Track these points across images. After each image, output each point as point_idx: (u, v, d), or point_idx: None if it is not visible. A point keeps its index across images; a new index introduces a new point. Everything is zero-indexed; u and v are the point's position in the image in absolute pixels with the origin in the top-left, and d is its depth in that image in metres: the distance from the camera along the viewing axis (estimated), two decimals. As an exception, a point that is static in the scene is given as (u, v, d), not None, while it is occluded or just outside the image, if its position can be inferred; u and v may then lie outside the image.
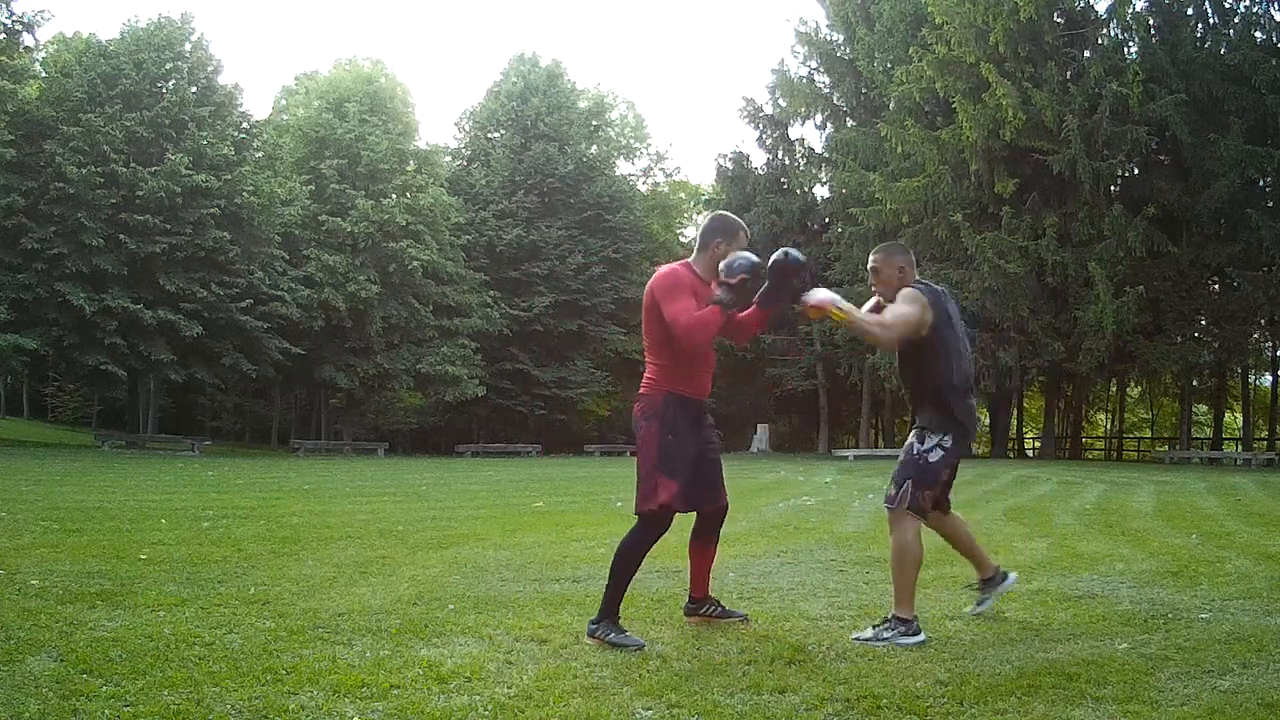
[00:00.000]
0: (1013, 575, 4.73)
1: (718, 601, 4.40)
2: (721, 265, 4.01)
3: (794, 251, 4.09)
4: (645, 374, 4.17)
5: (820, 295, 4.05)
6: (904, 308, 4.13)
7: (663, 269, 4.14)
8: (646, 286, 4.11)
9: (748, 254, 4.03)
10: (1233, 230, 25.61)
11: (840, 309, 4.00)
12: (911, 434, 4.31)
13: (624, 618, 4.38)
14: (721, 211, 4.55)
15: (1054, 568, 6.04)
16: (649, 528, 4.03)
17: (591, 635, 3.91)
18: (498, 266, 38.06)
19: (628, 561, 4.05)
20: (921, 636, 3.99)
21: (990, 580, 4.62)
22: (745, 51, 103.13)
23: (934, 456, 4.16)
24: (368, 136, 33.77)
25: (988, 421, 31.21)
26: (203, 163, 27.88)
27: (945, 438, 4.17)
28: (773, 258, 4.05)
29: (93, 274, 26.36)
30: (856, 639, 3.98)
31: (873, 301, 4.48)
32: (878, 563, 6.31)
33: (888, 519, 4.25)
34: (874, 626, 4.07)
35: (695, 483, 4.07)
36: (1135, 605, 4.83)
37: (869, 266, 4.39)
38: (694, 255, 4.20)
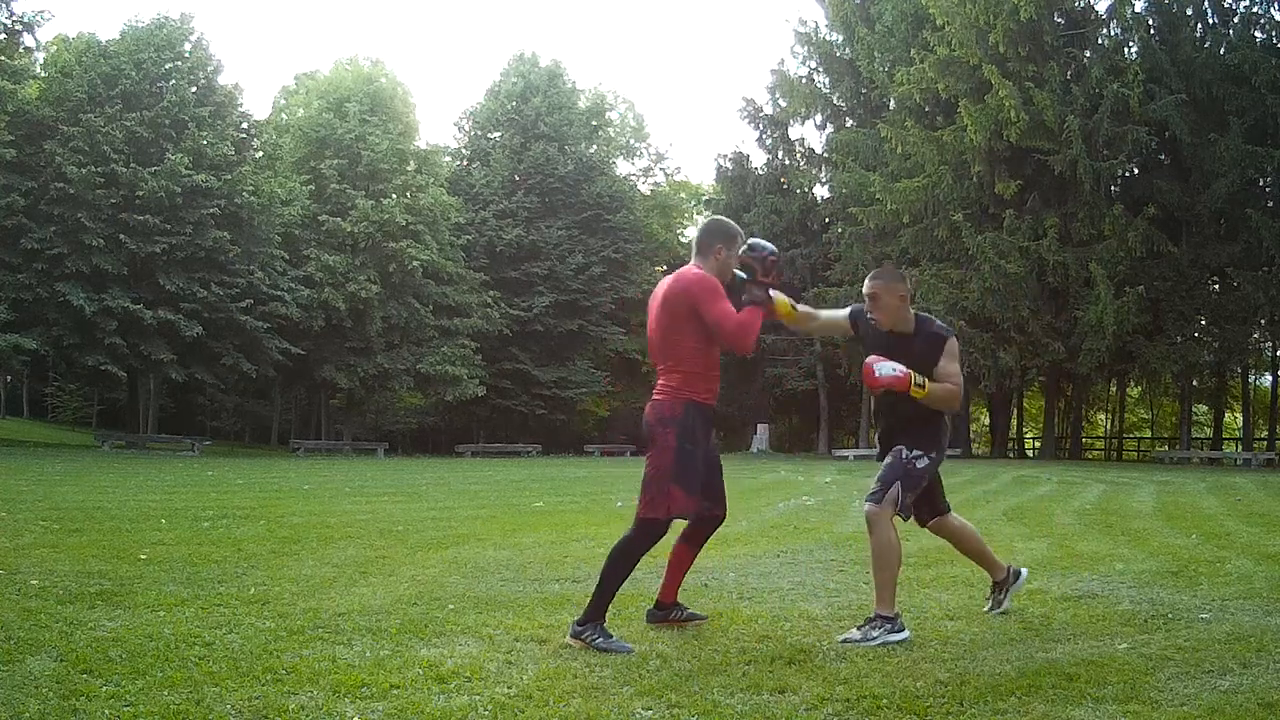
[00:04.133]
0: (1024, 571, 4.81)
1: (682, 606, 4.35)
2: (744, 249, 4.06)
3: (761, 243, 4.12)
4: (662, 380, 4.08)
5: (888, 372, 4.12)
6: (954, 365, 4.26)
7: (690, 274, 4.03)
8: (666, 292, 4.04)
9: (760, 240, 4.12)
10: (1233, 230, 25.61)
11: (919, 386, 4.13)
12: (898, 446, 4.33)
13: (620, 618, 4.39)
14: (718, 216, 4.55)
15: (1054, 568, 6.04)
16: (650, 534, 4.00)
17: (577, 637, 3.83)
18: (498, 266, 38.06)
19: (622, 565, 4.00)
20: (907, 633, 4.02)
21: (1002, 583, 4.66)
22: (745, 51, 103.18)
23: (921, 464, 4.26)
24: (368, 136, 33.77)
25: (987, 422, 31.21)
26: (203, 163, 27.88)
27: (932, 452, 4.30)
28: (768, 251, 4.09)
29: (93, 274, 26.36)
30: (844, 641, 3.96)
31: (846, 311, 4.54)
32: (878, 563, 6.30)
33: (868, 518, 4.23)
34: (859, 628, 4.06)
35: (707, 494, 4.13)
36: (1135, 605, 4.83)
37: (866, 292, 4.37)
38: (697, 261, 4.13)
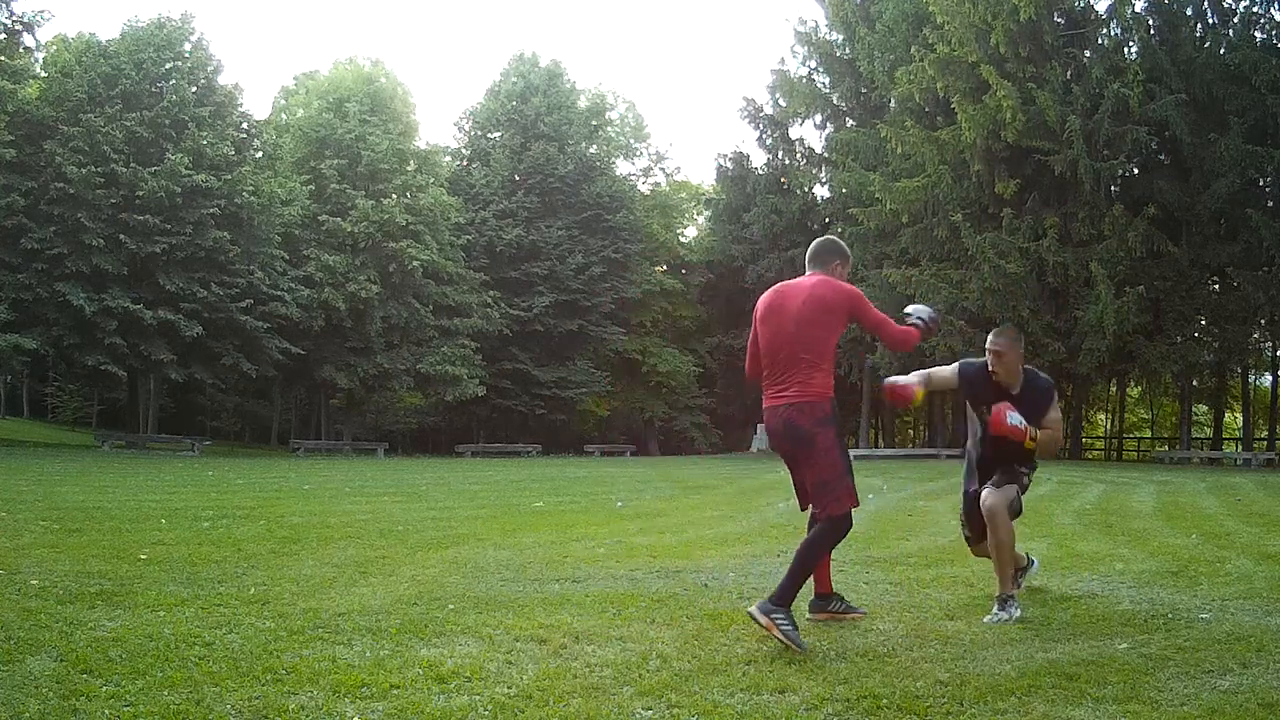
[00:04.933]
0: (1035, 562, 5.45)
1: (842, 597, 4.62)
2: (927, 314, 4.62)
3: (926, 308, 4.73)
4: (805, 379, 4.21)
5: (1015, 421, 4.65)
6: (1058, 412, 4.91)
7: (843, 284, 4.36)
8: (820, 293, 4.27)
9: (919, 306, 4.73)
10: (1233, 230, 25.59)
11: (1033, 437, 4.71)
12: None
13: (621, 617, 4.40)
14: (829, 236, 4.91)
15: (1054, 568, 6.04)
16: (842, 528, 4.18)
17: (768, 615, 3.89)
18: (498, 266, 38.06)
19: (814, 556, 4.18)
20: (1020, 612, 4.58)
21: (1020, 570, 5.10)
22: (745, 51, 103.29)
23: (1025, 479, 4.97)
24: (368, 136, 33.76)
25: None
26: (203, 163, 27.87)
27: (1031, 468, 5.03)
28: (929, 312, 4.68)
29: (93, 274, 26.35)
30: (993, 620, 4.46)
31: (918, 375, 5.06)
32: (878, 563, 6.31)
33: (988, 511, 4.71)
34: (998, 608, 4.58)
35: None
36: (1135, 605, 4.83)
37: (990, 348, 4.89)
38: (821, 272, 4.47)
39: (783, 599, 3.98)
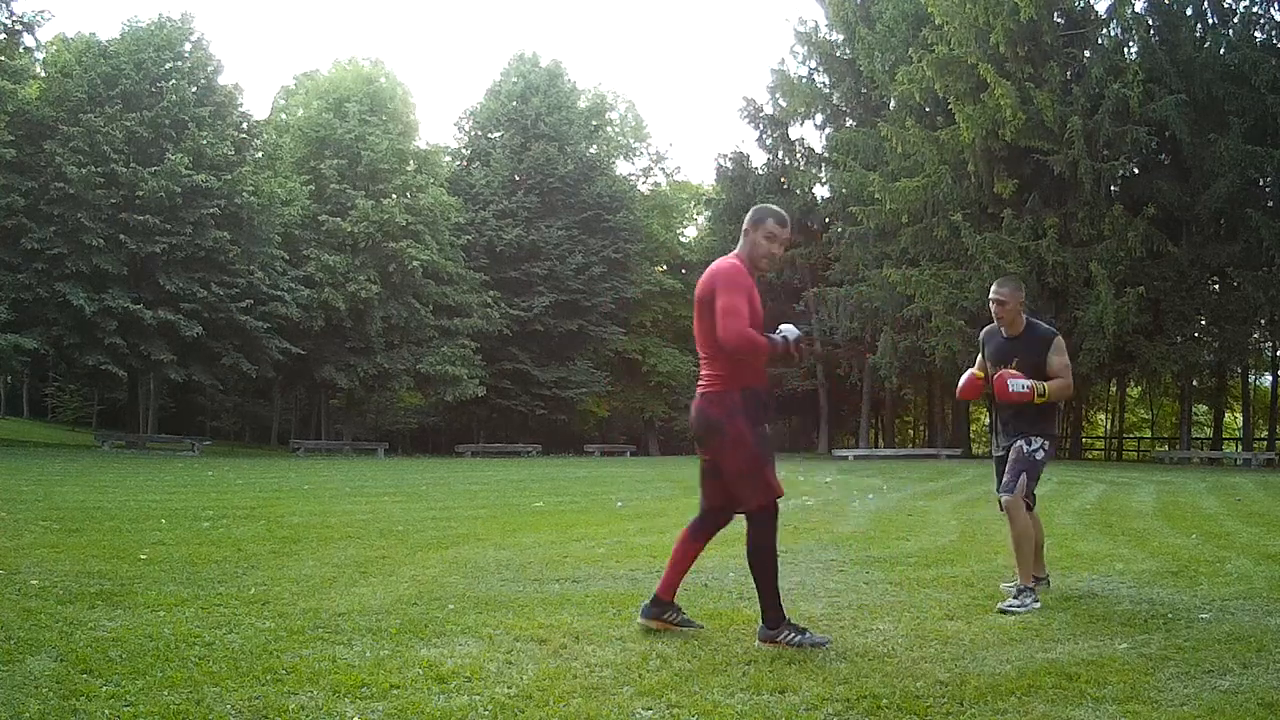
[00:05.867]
0: (1050, 582, 5.40)
1: (680, 609, 4.26)
2: (792, 335, 4.10)
3: (795, 329, 4.18)
4: (709, 370, 4.08)
5: (1018, 387, 4.87)
6: (1063, 357, 5.05)
7: (719, 262, 4.11)
8: (701, 280, 4.09)
9: (789, 327, 4.21)
10: (1233, 230, 25.59)
11: (1041, 394, 4.89)
12: (1018, 441, 5.03)
13: (621, 617, 4.39)
14: (763, 204, 4.58)
15: (1054, 568, 6.03)
16: (770, 519, 4.00)
17: (771, 640, 3.84)
18: (498, 266, 38.06)
19: (768, 560, 3.99)
20: (1039, 603, 4.69)
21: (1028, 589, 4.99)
22: (745, 51, 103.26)
23: (1039, 455, 4.99)
24: (368, 136, 33.76)
25: (988, 422, 31.17)
26: (203, 163, 27.87)
27: (1047, 442, 5.03)
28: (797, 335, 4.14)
29: (93, 274, 26.35)
30: (1005, 610, 4.58)
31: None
32: (878, 562, 6.31)
33: (1005, 509, 4.91)
34: (1014, 599, 4.70)
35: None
36: (1135, 605, 4.84)
37: (993, 298, 5.11)
38: (739, 247, 4.20)
39: (773, 616, 3.91)
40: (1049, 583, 5.24)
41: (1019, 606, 4.64)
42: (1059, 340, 5.10)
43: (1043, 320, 5.19)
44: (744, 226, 4.20)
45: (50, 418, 46.88)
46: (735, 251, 4.17)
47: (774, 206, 4.27)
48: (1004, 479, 5.00)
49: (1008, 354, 5.12)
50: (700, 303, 4.06)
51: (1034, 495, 5.04)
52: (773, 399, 4.30)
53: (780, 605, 3.93)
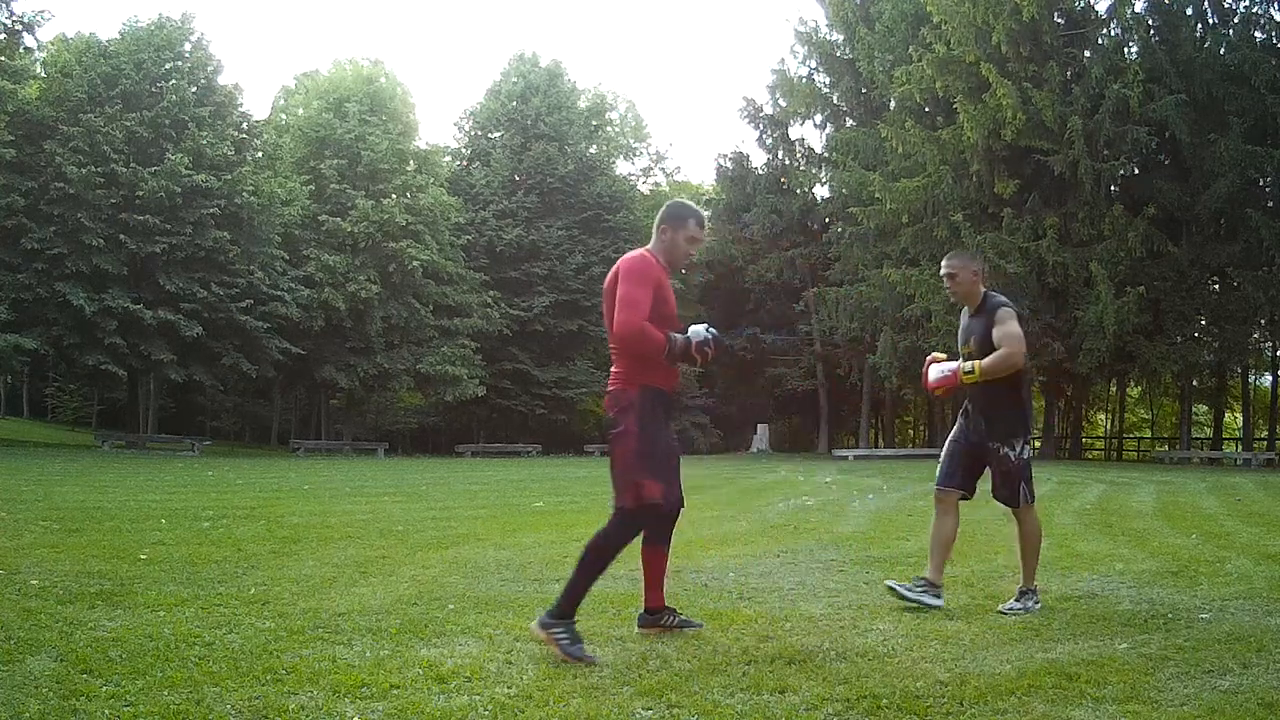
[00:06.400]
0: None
1: (674, 610, 4.20)
2: (700, 336, 3.95)
3: (703, 331, 4.03)
4: (615, 367, 4.06)
5: (935, 375, 4.69)
6: (1013, 326, 4.63)
7: (633, 254, 4.04)
8: (612, 271, 4.03)
9: (698, 328, 4.02)
10: (1233, 230, 25.59)
11: (969, 372, 4.61)
12: (1001, 449, 4.77)
13: (620, 617, 4.39)
14: (678, 198, 4.51)
15: (1054, 568, 6.03)
16: (630, 525, 3.91)
17: (544, 629, 3.67)
18: (498, 266, 38.05)
19: (600, 559, 3.85)
20: (1039, 606, 4.68)
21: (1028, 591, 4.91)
22: (745, 51, 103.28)
23: (1026, 454, 4.83)
24: (368, 136, 33.76)
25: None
26: (203, 163, 27.88)
27: (1026, 439, 4.84)
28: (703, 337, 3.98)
29: (93, 274, 26.36)
30: (1007, 610, 4.59)
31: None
32: (878, 562, 6.32)
33: (1014, 517, 4.87)
34: (1017, 600, 4.70)
35: (672, 481, 4.00)
36: (1135, 605, 4.83)
37: (943, 273, 4.85)
38: (652, 243, 4.17)
39: (564, 610, 3.70)
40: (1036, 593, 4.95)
41: (1020, 608, 4.65)
42: (1004, 310, 4.66)
43: (998, 294, 4.83)
44: (659, 223, 4.10)
45: (50, 418, 46.87)
46: (648, 246, 4.14)
47: (694, 205, 4.20)
48: (1002, 492, 4.83)
49: (969, 333, 4.82)
50: (607, 295, 4.03)
51: (1034, 494, 4.94)
52: (676, 401, 4.14)
53: (576, 606, 3.76)
